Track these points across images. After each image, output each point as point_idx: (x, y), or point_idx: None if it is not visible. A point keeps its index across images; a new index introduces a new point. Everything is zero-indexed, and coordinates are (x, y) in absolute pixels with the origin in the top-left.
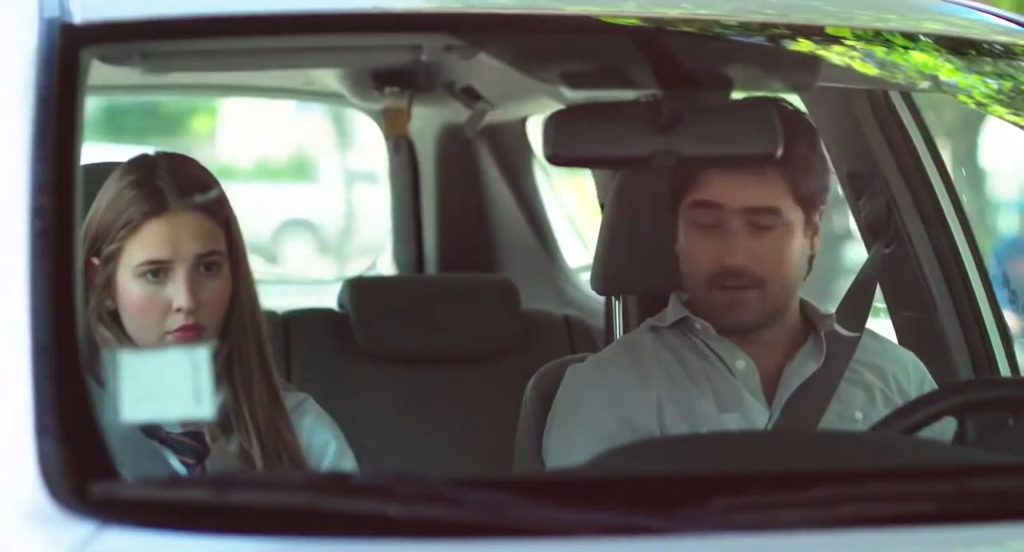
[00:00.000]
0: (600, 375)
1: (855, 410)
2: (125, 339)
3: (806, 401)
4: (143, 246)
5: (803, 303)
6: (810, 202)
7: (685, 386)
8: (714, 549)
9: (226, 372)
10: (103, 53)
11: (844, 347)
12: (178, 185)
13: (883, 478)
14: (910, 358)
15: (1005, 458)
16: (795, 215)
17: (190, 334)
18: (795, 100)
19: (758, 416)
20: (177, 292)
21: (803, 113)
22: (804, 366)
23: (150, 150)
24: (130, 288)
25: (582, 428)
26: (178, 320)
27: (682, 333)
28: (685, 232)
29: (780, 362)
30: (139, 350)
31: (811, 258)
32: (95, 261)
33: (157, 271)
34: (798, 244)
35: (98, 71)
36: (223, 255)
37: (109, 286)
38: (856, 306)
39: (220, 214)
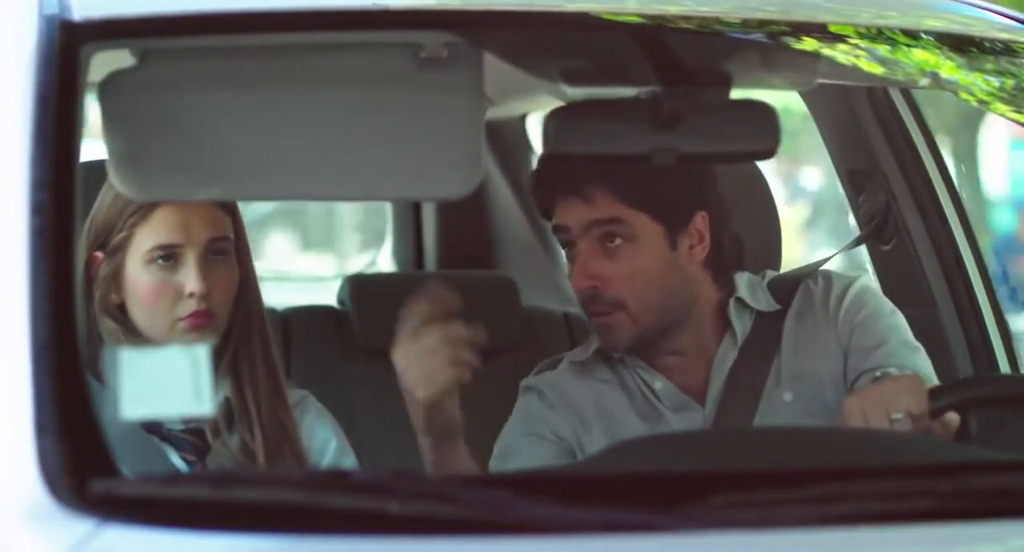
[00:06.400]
0: (534, 401)
1: (784, 391)
2: (133, 332)
3: (736, 390)
4: (154, 231)
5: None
6: (668, 211)
7: (610, 409)
8: (715, 546)
9: (232, 365)
10: (103, 50)
11: (771, 324)
12: None
13: (883, 475)
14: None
15: (1005, 455)
16: (646, 226)
17: (202, 320)
18: (795, 98)
19: (689, 424)
20: (189, 277)
21: None
22: (727, 356)
23: None
24: (140, 276)
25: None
26: (190, 306)
27: (606, 361)
28: None
29: (709, 362)
30: (140, 346)
31: (731, 253)
32: (99, 255)
33: (168, 256)
34: (659, 258)
35: (98, 68)
36: (231, 242)
37: (116, 277)
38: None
39: (227, 201)
